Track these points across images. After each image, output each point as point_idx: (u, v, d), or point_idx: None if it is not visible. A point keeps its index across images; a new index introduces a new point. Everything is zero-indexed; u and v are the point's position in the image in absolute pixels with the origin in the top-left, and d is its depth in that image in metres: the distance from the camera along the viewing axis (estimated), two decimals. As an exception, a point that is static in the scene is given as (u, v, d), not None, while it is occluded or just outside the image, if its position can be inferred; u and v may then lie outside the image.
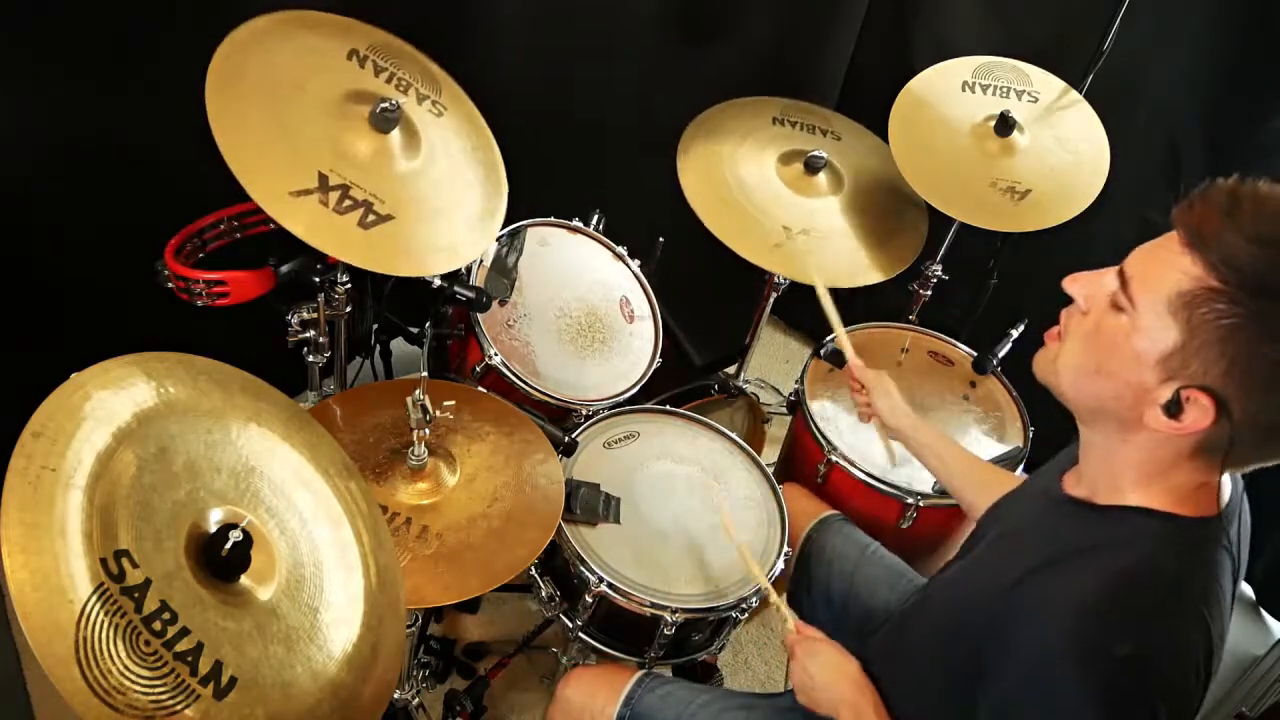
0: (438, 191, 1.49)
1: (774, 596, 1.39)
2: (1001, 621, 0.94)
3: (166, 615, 0.86)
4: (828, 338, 1.99)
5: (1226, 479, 0.98)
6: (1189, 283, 0.84)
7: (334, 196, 1.34)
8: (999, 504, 1.22)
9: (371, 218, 1.37)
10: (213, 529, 0.95)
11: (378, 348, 1.89)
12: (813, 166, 1.97)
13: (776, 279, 2.15)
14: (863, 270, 1.93)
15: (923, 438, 1.51)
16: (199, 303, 1.42)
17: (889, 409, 1.53)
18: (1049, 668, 0.88)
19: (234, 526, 0.95)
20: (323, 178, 1.34)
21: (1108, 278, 0.93)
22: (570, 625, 1.56)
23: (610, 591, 1.46)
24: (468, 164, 1.56)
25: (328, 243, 1.33)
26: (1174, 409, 0.87)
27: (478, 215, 1.53)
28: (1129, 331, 0.89)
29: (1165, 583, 0.90)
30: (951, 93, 2.02)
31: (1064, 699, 0.87)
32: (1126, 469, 0.96)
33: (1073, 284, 0.97)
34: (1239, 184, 0.85)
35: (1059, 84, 2.04)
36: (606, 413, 1.73)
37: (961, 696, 0.98)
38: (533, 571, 1.58)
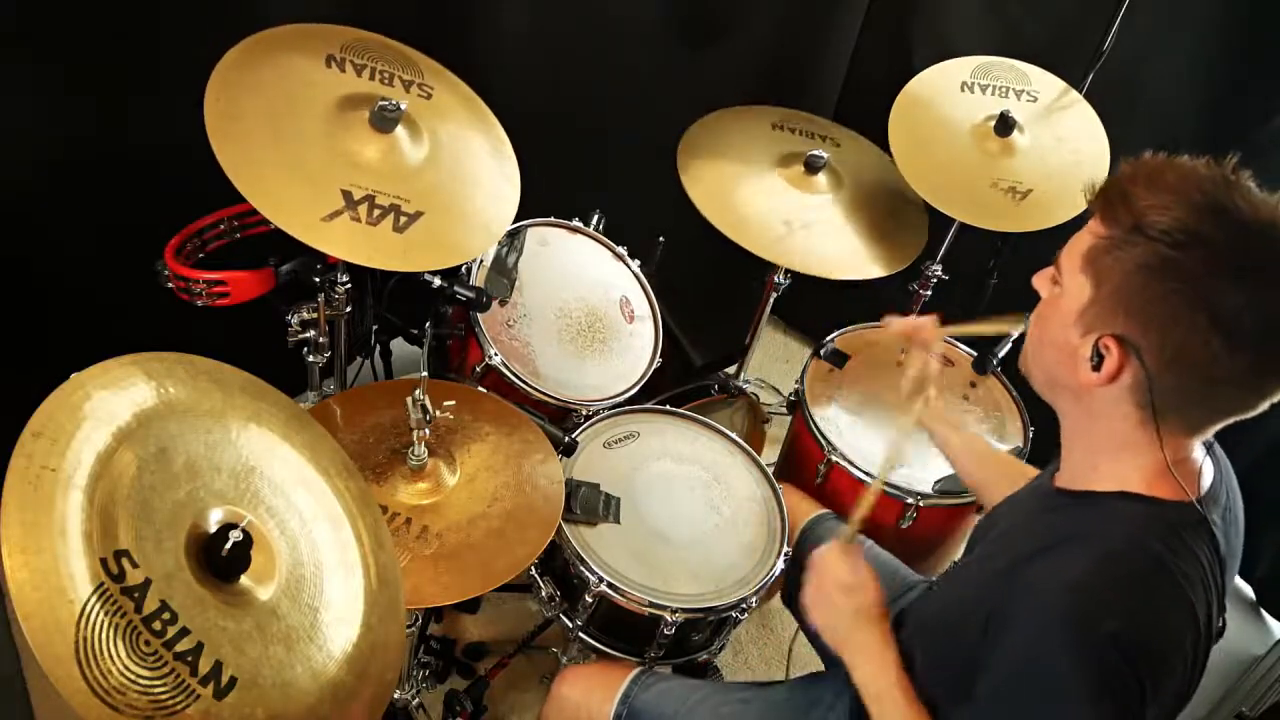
0: (454, 173, 1.49)
1: (865, 506, 1.22)
2: (998, 608, 0.96)
3: (166, 615, 0.86)
4: (828, 338, 2.00)
5: (1209, 466, 1.00)
6: (1093, 239, 0.95)
7: (363, 210, 1.34)
8: (1001, 504, 1.24)
9: (404, 219, 1.37)
10: (213, 529, 0.95)
11: (378, 348, 1.89)
12: (812, 166, 1.97)
13: (777, 278, 2.15)
14: (864, 265, 1.92)
15: (937, 427, 1.52)
16: (199, 303, 1.42)
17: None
18: (1042, 642, 0.91)
19: (234, 526, 0.95)
20: (346, 194, 1.34)
21: (1052, 266, 1.02)
22: (570, 625, 1.56)
23: (610, 591, 1.46)
24: (471, 135, 1.56)
25: (373, 257, 1.33)
26: (1096, 361, 0.93)
27: (496, 183, 1.54)
28: (1059, 298, 0.99)
29: (1151, 563, 0.92)
30: (951, 93, 2.02)
31: (1055, 672, 0.89)
32: (1093, 444, 1.00)
33: (1035, 279, 1.06)
34: (1139, 159, 0.96)
35: (1059, 84, 2.04)
36: (606, 413, 1.73)
37: (957, 689, 0.98)
38: (533, 571, 1.58)
